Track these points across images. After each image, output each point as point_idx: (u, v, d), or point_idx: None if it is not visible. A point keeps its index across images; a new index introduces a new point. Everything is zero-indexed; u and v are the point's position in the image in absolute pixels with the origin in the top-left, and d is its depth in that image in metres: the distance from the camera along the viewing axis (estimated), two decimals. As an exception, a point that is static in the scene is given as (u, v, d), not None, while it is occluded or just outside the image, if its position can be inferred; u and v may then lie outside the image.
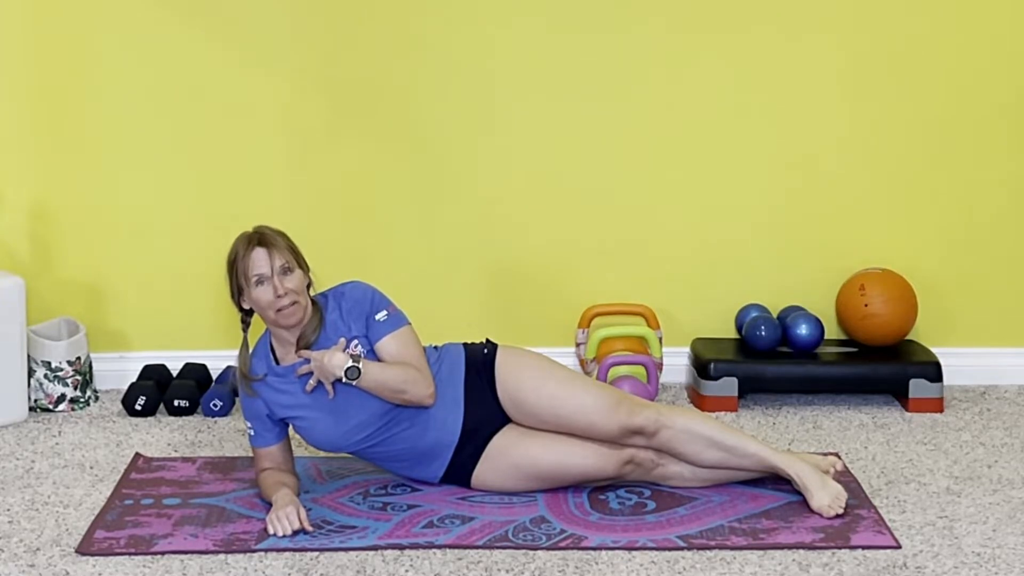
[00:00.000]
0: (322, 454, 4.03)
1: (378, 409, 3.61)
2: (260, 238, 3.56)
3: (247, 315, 3.66)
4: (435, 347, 3.78)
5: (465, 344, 3.80)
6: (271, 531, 3.44)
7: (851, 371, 4.56)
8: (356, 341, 3.61)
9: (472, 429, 3.68)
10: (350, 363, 3.52)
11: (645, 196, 4.76)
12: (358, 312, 3.64)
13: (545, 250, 4.78)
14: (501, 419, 3.71)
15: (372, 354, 3.62)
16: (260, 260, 3.53)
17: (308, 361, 3.58)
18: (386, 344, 3.62)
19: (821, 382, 4.58)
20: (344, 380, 3.54)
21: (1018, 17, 4.66)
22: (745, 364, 4.54)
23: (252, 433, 3.67)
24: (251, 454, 3.99)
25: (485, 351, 3.76)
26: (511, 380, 3.70)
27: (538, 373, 3.72)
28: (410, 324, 3.68)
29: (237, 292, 3.60)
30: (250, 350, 3.68)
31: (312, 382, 3.57)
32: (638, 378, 4.49)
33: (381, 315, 3.64)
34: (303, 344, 3.61)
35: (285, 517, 3.44)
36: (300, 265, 3.59)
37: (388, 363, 3.60)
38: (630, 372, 4.51)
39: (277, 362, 3.64)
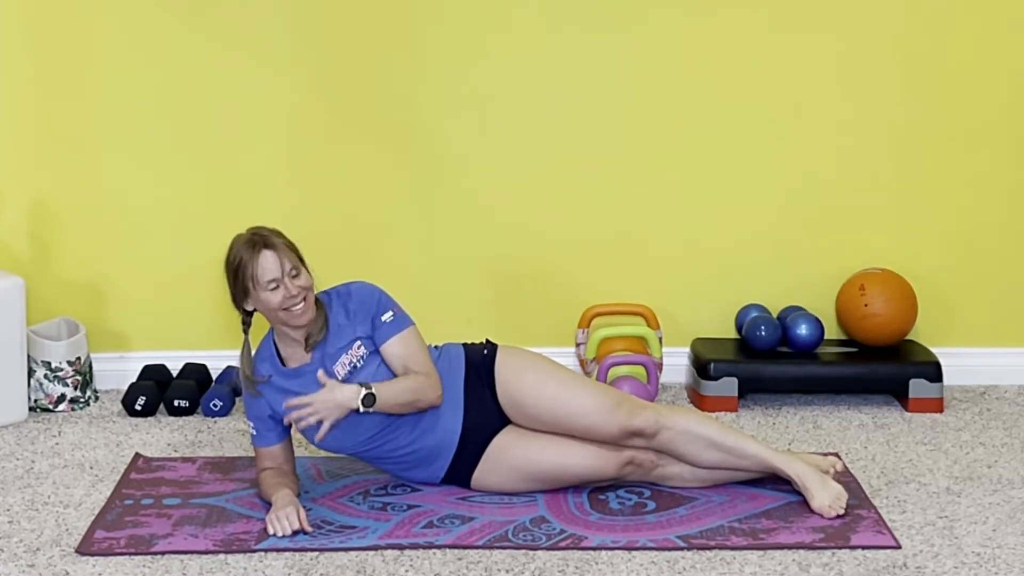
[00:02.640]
0: (322, 454, 4.03)
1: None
2: (264, 241, 3.53)
3: (248, 316, 3.65)
4: (435, 347, 3.77)
5: (464, 344, 3.79)
6: (271, 531, 3.44)
7: (851, 371, 4.56)
8: (359, 343, 3.61)
9: (472, 431, 3.68)
10: (364, 392, 3.50)
11: (645, 196, 4.76)
12: (364, 313, 3.63)
13: (545, 250, 4.78)
14: (501, 420, 3.71)
15: (377, 355, 3.63)
16: (270, 265, 3.51)
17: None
18: (391, 346, 3.62)
19: (821, 382, 4.58)
20: (361, 410, 3.52)
21: (1018, 17, 4.66)
22: (745, 364, 4.54)
23: (254, 433, 3.67)
24: (251, 454, 4.00)
25: (485, 352, 3.75)
26: (511, 381, 3.70)
27: (538, 374, 3.71)
28: (415, 325, 3.68)
29: (242, 295, 3.57)
30: (252, 352, 3.68)
31: (311, 420, 3.48)
32: (638, 378, 4.49)
33: (387, 316, 3.63)
34: (311, 344, 3.60)
35: (285, 518, 3.44)
36: (303, 264, 3.60)
37: (396, 378, 3.58)
38: (630, 372, 4.51)
39: (283, 363, 3.64)
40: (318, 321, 3.60)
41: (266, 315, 3.59)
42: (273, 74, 4.66)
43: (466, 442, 3.68)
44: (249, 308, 3.60)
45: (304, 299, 3.54)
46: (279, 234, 3.58)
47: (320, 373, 3.52)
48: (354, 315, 3.62)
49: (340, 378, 3.58)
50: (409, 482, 3.78)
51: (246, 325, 3.66)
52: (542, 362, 3.76)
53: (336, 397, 3.49)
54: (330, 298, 3.67)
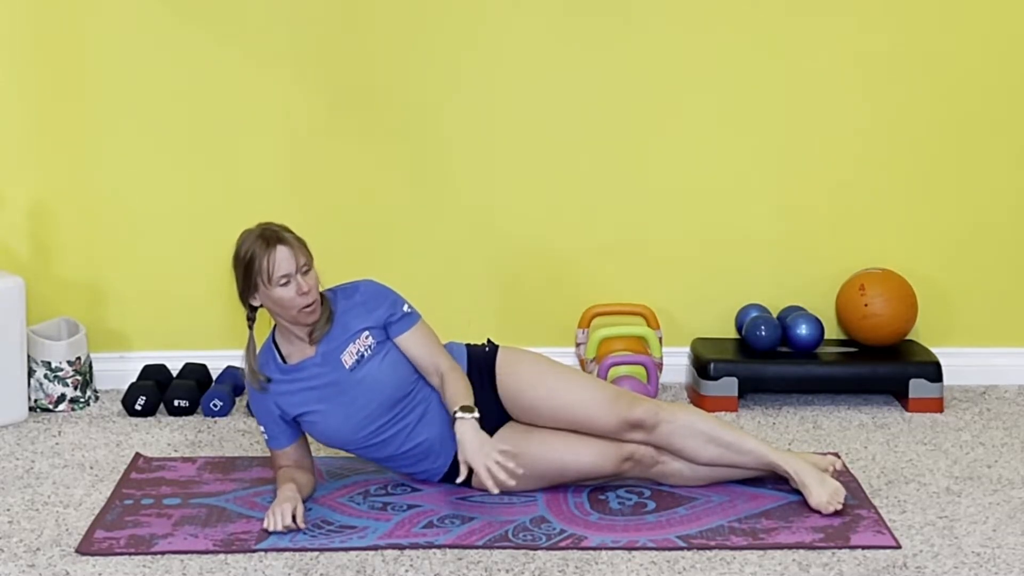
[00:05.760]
0: (324, 454, 4.03)
1: (388, 400, 3.61)
2: (278, 237, 3.54)
3: (253, 312, 3.65)
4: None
5: (468, 345, 3.81)
6: (265, 524, 3.45)
7: (851, 371, 4.56)
8: (368, 332, 3.62)
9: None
10: (472, 414, 3.52)
11: (645, 196, 4.76)
12: (374, 305, 3.65)
13: (546, 250, 4.78)
14: (502, 418, 3.72)
15: (386, 344, 3.64)
16: (285, 260, 3.52)
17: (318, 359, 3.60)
18: (412, 337, 3.65)
19: (821, 382, 4.57)
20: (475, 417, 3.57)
21: (1019, 17, 4.66)
22: (745, 364, 4.54)
23: (267, 436, 3.68)
24: (251, 454, 4.03)
25: (487, 350, 3.78)
26: (510, 375, 3.72)
27: (537, 367, 3.74)
28: (421, 316, 3.73)
29: (251, 290, 3.57)
30: (257, 349, 3.68)
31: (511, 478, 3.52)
32: (638, 378, 4.49)
33: (405, 307, 3.67)
34: (315, 338, 3.61)
35: (280, 513, 3.45)
36: (312, 261, 3.61)
37: (457, 383, 3.61)
38: (630, 372, 4.51)
39: (284, 361, 3.64)
40: (323, 315, 3.61)
41: (274, 312, 3.59)
42: (274, 73, 4.66)
43: None
44: (256, 304, 3.61)
45: (315, 299, 3.56)
46: (288, 230, 3.59)
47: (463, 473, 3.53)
48: (362, 305, 3.64)
49: (348, 367, 3.59)
50: (409, 480, 3.78)
51: (251, 321, 3.66)
52: (542, 358, 3.79)
53: (474, 441, 3.49)
54: (334, 294, 3.68)
